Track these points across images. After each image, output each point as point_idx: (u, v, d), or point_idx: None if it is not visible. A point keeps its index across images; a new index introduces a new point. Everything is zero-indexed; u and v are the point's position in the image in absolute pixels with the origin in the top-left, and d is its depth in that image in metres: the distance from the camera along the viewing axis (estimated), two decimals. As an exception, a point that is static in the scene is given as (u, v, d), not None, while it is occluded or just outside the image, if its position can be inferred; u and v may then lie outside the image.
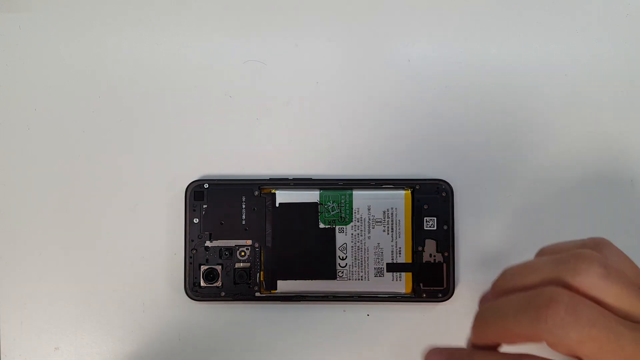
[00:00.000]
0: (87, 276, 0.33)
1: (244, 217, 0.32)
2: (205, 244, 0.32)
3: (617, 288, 0.21)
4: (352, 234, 0.32)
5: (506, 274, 0.25)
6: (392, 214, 0.32)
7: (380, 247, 0.32)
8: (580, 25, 0.33)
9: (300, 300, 0.32)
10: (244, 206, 0.32)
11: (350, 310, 0.32)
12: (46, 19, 0.34)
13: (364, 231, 0.32)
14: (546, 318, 0.21)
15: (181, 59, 0.33)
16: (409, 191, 0.32)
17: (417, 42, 0.33)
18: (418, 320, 0.32)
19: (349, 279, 0.32)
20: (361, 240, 0.32)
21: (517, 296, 0.23)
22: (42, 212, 0.33)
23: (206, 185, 0.32)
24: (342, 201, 0.32)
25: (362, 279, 0.32)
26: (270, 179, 0.32)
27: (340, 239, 0.32)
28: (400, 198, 0.32)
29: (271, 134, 0.33)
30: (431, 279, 0.31)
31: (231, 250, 0.32)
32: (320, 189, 0.32)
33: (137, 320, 0.32)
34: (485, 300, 0.26)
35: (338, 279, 0.32)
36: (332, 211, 0.32)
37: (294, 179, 0.32)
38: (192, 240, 0.32)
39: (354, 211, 0.32)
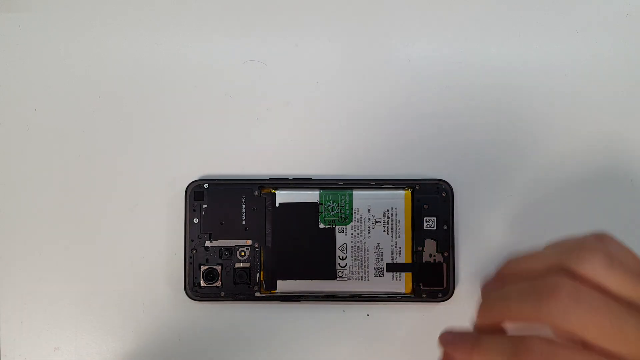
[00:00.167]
0: (87, 276, 0.33)
1: (244, 217, 0.32)
2: (205, 244, 0.32)
3: (619, 276, 0.22)
4: (352, 234, 0.32)
5: (510, 262, 0.26)
6: (392, 214, 0.32)
7: (380, 247, 0.32)
8: (580, 25, 0.33)
9: (300, 300, 0.32)
10: (244, 206, 0.32)
11: (350, 310, 0.32)
12: (46, 19, 0.34)
13: (364, 231, 0.32)
14: (549, 304, 0.22)
15: (181, 59, 0.33)
16: (409, 191, 0.32)
17: (417, 42, 0.33)
18: (418, 320, 0.32)
19: (349, 279, 0.32)
20: (361, 240, 0.32)
21: (522, 282, 0.23)
22: (42, 212, 0.33)
23: (206, 185, 0.32)
24: (342, 201, 0.32)
25: (362, 279, 0.32)
26: (270, 179, 0.32)
27: (340, 239, 0.32)
28: (400, 198, 0.32)
29: (271, 134, 0.33)
30: (431, 279, 0.31)
31: (231, 250, 0.32)
32: (320, 189, 0.32)
33: (137, 320, 0.32)
34: (487, 286, 0.27)
35: (338, 279, 0.32)
36: (332, 211, 0.32)
37: (294, 179, 0.32)
38: (192, 240, 0.32)
39: (354, 211, 0.32)
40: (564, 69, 0.33)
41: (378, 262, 0.32)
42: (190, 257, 0.32)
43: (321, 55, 0.33)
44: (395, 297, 0.32)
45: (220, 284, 0.32)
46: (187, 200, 0.32)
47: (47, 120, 0.33)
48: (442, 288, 0.31)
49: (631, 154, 0.33)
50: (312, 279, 0.32)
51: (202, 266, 0.32)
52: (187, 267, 0.32)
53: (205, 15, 0.34)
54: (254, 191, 0.32)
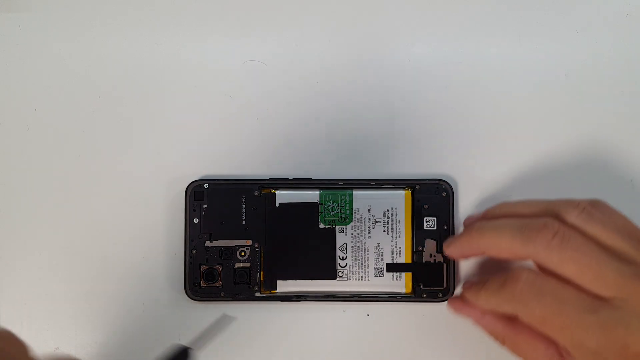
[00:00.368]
0: (87, 276, 0.33)
1: (244, 217, 0.32)
2: (205, 244, 0.32)
3: (600, 227, 0.25)
4: (352, 234, 0.32)
5: (503, 205, 0.29)
6: (392, 214, 0.32)
7: (380, 247, 0.32)
8: (580, 25, 0.33)
9: (300, 300, 0.32)
10: (244, 206, 0.32)
11: (350, 310, 0.32)
12: (46, 19, 0.34)
13: (364, 231, 0.32)
14: (535, 240, 0.25)
15: (181, 59, 0.33)
16: (409, 191, 0.32)
17: (417, 42, 0.33)
18: (418, 320, 0.32)
19: (349, 279, 0.32)
20: (361, 240, 0.32)
21: (515, 219, 0.27)
22: (42, 212, 0.33)
23: (206, 185, 0.32)
24: (342, 201, 0.32)
25: (362, 279, 0.32)
26: (270, 179, 0.32)
27: (340, 239, 0.32)
28: (400, 198, 0.32)
29: (271, 134, 0.33)
30: (431, 279, 0.31)
31: (231, 250, 0.32)
32: (320, 189, 0.32)
33: (137, 320, 0.32)
34: (473, 219, 0.30)
35: (338, 279, 0.32)
36: (332, 211, 0.32)
37: (294, 179, 0.32)
38: (192, 240, 0.32)
39: (354, 211, 0.32)
40: (564, 69, 0.33)
41: (378, 262, 0.32)
42: (190, 257, 0.32)
43: (321, 55, 0.33)
44: (395, 297, 0.32)
45: (220, 284, 0.32)
46: (187, 200, 0.32)
47: (47, 120, 0.33)
48: (442, 288, 0.31)
49: (631, 154, 0.33)
50: (312, 279, 0.32)
51: (202, 266, 0.32)
52: (187, 267, 0.32)
53: (205, 15, 0.34)
54: (254, 191, 0.32)
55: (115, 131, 0.33)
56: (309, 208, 0.32)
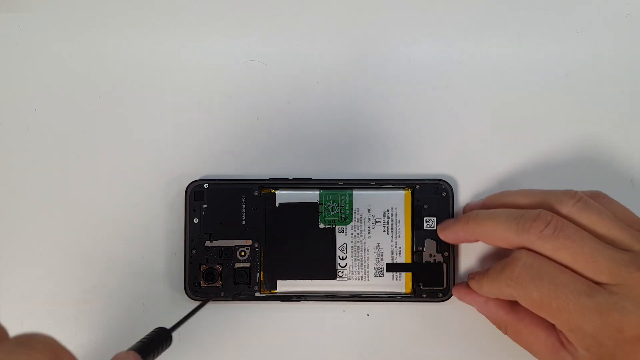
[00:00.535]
0: (87, 276, 0.33)
1: (244, 217, 0.32)
2: (205, 244, 0.32)
3: (595, 217, 0.26)
4: (352, 234, 0.32)
5: (502, 194, 0.30)
6: (392, 214, 0.32)
7: (380, 247, 0.32)
8: (580, 25, 0.33)
9: (300, 300, 0.32)
10: (244, 206, 0.32)
11: (350, 310, 0.32)
12: (46, 19, 0.34)
13: (364, 231, 0.32)
14: (529, 230, 0.26)
15: (181, 59, 0.33)
16: (409, 191, 0.32)
17: (417, 42, 0.33)
18: (418, 320, 0.32)
19: (349, 279, 0.32)
20: (361, 240, 0.32)
21: (511, 209, 0.28)
22: (42, 212, 0.33)
23: (206, 185, 0.32)
24: (342, 201, 0.32)
25: (362, 279, 0.32)
26: (270, 179, 0.32)
27: (340, 239, 0.32)
28: (400, 198, 0.32)
29: (271, 134, 0.33)
30: (431, 279, 0.32)
31: (231, 250, 0.32)
32: (320, 189, 0.32)
33: (137, 320, 0.32)
34: (470, 208, 0.31)
35: (338, 279, 0.32)
36: (332, 211, 0.32)
37: (294, 179, 0.32)
38: (192, 240, 0.32)
39: (354, 211, 0.32)
40: (564, 69, 0.33)
41: (378, 262, 0.32)
42: (190, 257, 0.32)
43: (321, 55, 0.33)
44: (395, 297, 0.32)
45: (220, 284, 0.32)
46: (187, 200, 0.32)
47: (47, 120, 0.33)
48: (442, 288, 0.31)
49: (631, 154, 0.33)
50: (312, 279, 0.32)
51: (202, 266, 0.32)
52: (187, 267, 0.32)
53: (205, 15, 0.34)
54: (254, 191, 0.32)
55: (115, 131, 0.33)
56: (309, 208, 0.32)
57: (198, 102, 0.33)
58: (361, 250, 0.32)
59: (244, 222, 0.32)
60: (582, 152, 0.33)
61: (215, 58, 0.33)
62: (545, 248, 0.25)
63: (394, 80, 0.33)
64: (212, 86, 0.33)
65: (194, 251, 0.32)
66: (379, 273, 0.32)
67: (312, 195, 0.32)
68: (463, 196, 0.32)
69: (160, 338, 0.24)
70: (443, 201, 0.32)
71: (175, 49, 0.34)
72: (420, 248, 0.32)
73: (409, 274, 0.32)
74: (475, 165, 0.33)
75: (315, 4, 0.34)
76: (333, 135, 0.33)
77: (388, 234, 0.32)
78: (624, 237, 0.25)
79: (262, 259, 0.32)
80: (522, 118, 0.33)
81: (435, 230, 0.31)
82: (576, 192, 0.27)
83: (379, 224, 0.32)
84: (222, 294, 0.32)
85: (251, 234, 0.32)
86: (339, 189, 0.32)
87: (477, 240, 0.29)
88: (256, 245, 0.32)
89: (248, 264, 0.32)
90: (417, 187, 0.32)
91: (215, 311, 0.32)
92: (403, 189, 0.32)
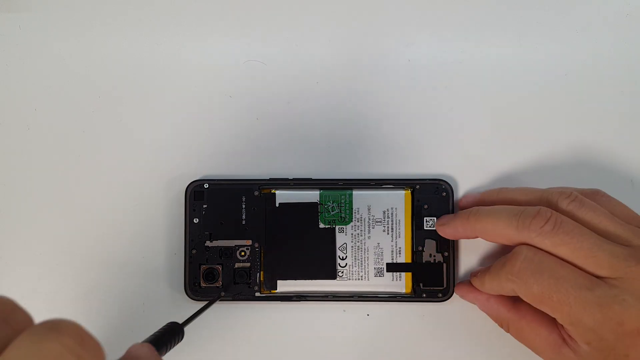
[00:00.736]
0: (87, 276, 0.33)
1: (244, 217, 0.32)
2: (205, 244, 0.32)
3: (594, 213, 0.26)
4: (352, 234, 0.32)
5: (501, 190, 0.30)
6: (392, 214, 0.32)
7: (380, 247, 0.32)
8: (580, 25, 0.33)
9: (300, 300, 0.32)
10: (244, 206, 0.32)
11: (350, 310, 0.32)
12: (46, 19, 0.34)
13: (364, 231, 0.32)
14: (529, 226, 0.26)
15: (181, 59, 0.33)
16: (409, 191, 0.32)
17: (417, 42, 0.33)
18: (418, 320, 0.32)
19: (349, 279, 0.32)
20: (361, 240, 0.32)
21: (511, 206, 0.28)
22: (42, 211, 0.33)
23: (206, 185, 0.32)
24: (342, 201, 0.32)
25: (362, 279, 0.32)
26: (270, 179, 0.32)
27: (340, 239, 0.32)
28: (400, 198, 0.32)
29: (271, 134, 0.33)
30: (431, 279, 0.31)
31: (231, 250, 0.32)
32: (320, 189, 0.32)
33: (137, 320, 0.32)
34: (468, 199, 0.31)
35: (338, 279, 0.32)
36: (332, 211, 0.32)
37: (294, 179, 0.32)
38: (192, 240, 0.32)
39: (354, 211, 0.32)
40: (564, 69, 0.33)
41: (378, 262, 0.32)
42: (190, 257, 0.32)
43: (321, 55, 0.33)
44: (395, 297, 0.32)
45: (220, 284, 0.32)
46: (187, 200, 0.32)
47: (47, 120, 0.33)
48: (442, 288, 0.31)
49: (631, 154, 0.33)
50: (312, 279, 0.32)
51: (202, 266, 0.32)
52: (187, 267, 0.32)
53: (205, 15, 0.34)
54: (254, 191, 0.32)
55: (115, 131, 0.33)
56: (309, 208, 0.32)
57: (198, 102, 0.33)
58: (361, 250, 0.32)
59: (244, 222, 0.32)
60: (582, 152, 0.33)
61: (215, 58, 0.33)
62: (545, 244, 0.25)
63: (394, 80, 0.33)
64: (212, 86, 0.33)
65: (194, 251, 0.32)
66: (379, 273, 0.32)
67: (312, 195, 0.32)
68: (463, 196, 0.32)
69: (174, 332, 0.25)
70: (443, 201, 0.32)
71: (175, 49, 0.34)
72: (420, 248, 0.32)
73: (409, 274, 0.32)
74: (475, 165, 0.33)
75: (315, 4, 0.34)
76: (333, 135, 0.33)
77: (388, 234, 0.32)
78: (623, 232, 0.26)
79: (262, 259, 0.32)
80: (522, 118, 0.33)
81: (435, 230, 0.31)
82: (571, 191, 0.27)
83: (379, 224, 0.32)
84: (222, 294, 0.32)
85: (251, 234, 0.32)
86: (339, 189, 0.32)
87: (476, 237, 0.29)
88: (256, 245, 0.32)
89: (248, 264, 0.32)
90: (417, 187, 0.32)
91: (215, 311, 0.32)
92: (403, 189, 0.32)
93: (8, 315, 0.17)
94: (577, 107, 0.33)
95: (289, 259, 0.32)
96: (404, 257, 0.32)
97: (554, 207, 0.27)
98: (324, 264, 0.32)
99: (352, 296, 0.32)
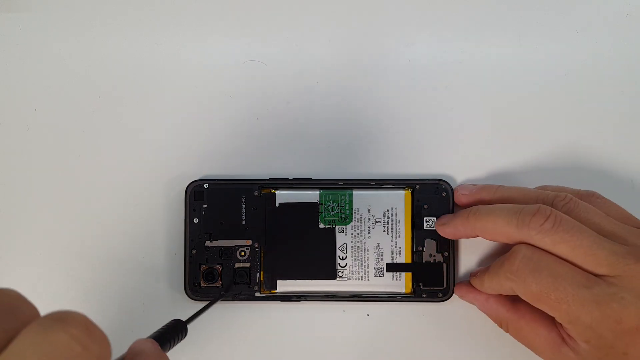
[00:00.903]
0: (88, 276, 0.33)
1: (244, 217, 0.32)
2: (205, 244, 0.32)
3: (593, 212, 0.26)
4: (352, 234, 0.32)
5: (499, 189, 0.30)
6: (392, 213, 0.32)
7: (380, 247, 0.32)
8: (580, 25, 0.33)
9: (300, 300, 0.32)
10: (244, 206, 0.32)
11: (350, 310, 0.32)
12: (46, 19, 0.34)
13: (364, 231, 0.32)
14: (529, 224, 0.26)
15: (181, 59, 0.33)
16: (409, 191, 0.32)
17: (417, 42, 0.33)
18: (418, 320, 0.32)
19: (349, 279, 0.32)
20: (361, 240, 0.32)
21: (511, 204, 0.28)
22: (42, 212, 0.33)
23: (206, 185, 0.32)
24: (342, 201, 0.32)
25: (362, 279, 0.32)
26: (270, 179, 0.32)
27: (340, 239, 0.32)
28: (400, 198, 0.32)
29: (271, 134, 0.33)
30: (431, 279, 0.32)
31: (231, 250, 0.32)
32: (320, 189, 0.32)
33: (137, 321, 0.32)
34: (464, 191, 0.31)
35: (338, 278, 0.32)
36: (332, 211, 0.32)
37: (294, 179, 0.32)
38: (192, 240, 0.32)
39: (354, 211, 0.32)
40: (564, 69, 0.33)
41: (378, 262, 0.32)
42: (190, 257, 0.32)
43: (321, 55, 0.33)
44: (395, 297, 0.32)
45: (220, 284, 0.32)
46: (187, 200, 0.32)
47: (47, 120, 0.33)
48: (442, 288, 0.31)
49: (631, 155, 0.32)
50: (312, 279, 0.32)
51: (202, 266, 0.32)
52: (187, 267, 0.32)
53: (205, 15, 0.34)
54: (254, 191, 0.32)
55: (115, 131, 0.33)
56: (309, 208, 0.32)
57: (198, 102, 0.33)
58: (361, 250, 0.32)
59: (244, 222, 0.32)
60: (582, 152, 0.33)
61: (215, 58, 0.33)
62: (545, 242, 0.26)
63: (394, 80, 0.33)
64: (212, 86, 0.33)
65: (194, 251, 0.32)
66: (379, 273, 0.32)
67: (312, 195, 0.32)
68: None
69: (177, 329, 0.25)
70: (443, 201, 0.32)
71: (175, 49, 0.34)
72: (420, 248, 0.32)
73: (409, 274, 0.32)
74: (475, 165, 0.33)
75: (315, 4, 0.34)
76: (333, 135, 0.33)
77: (388, 234, 0.32)
78: (620, 231, 0.26)
79: (262, 259, 0.32)
80: (522, 118, 0.33)
81: (435, 230, 0.31)
82: (566, 194, 0.28)
83: (379, 224, 0.32)
84: (222, 293, 0.31)
85: (251, 234, 0.32)
86: (339, 189, 0.32)
87: (476, 236, 0.29)
88: (256, 245, 0.32)
89: (248, 264, 0.32)
90: (417, 187, 0.32)
91: (215, 311, 0.32)
92: (403, 189, 0.32)
93: (15, 307, 0.17)
94: (577, 107, 0.33)
95: (289, 259, 0.32)
96: (404, 257, 0.32)
97: (553, 205, 0.27)
98: (324, 264, 0.32)
99: (352, 296, 0.32)
